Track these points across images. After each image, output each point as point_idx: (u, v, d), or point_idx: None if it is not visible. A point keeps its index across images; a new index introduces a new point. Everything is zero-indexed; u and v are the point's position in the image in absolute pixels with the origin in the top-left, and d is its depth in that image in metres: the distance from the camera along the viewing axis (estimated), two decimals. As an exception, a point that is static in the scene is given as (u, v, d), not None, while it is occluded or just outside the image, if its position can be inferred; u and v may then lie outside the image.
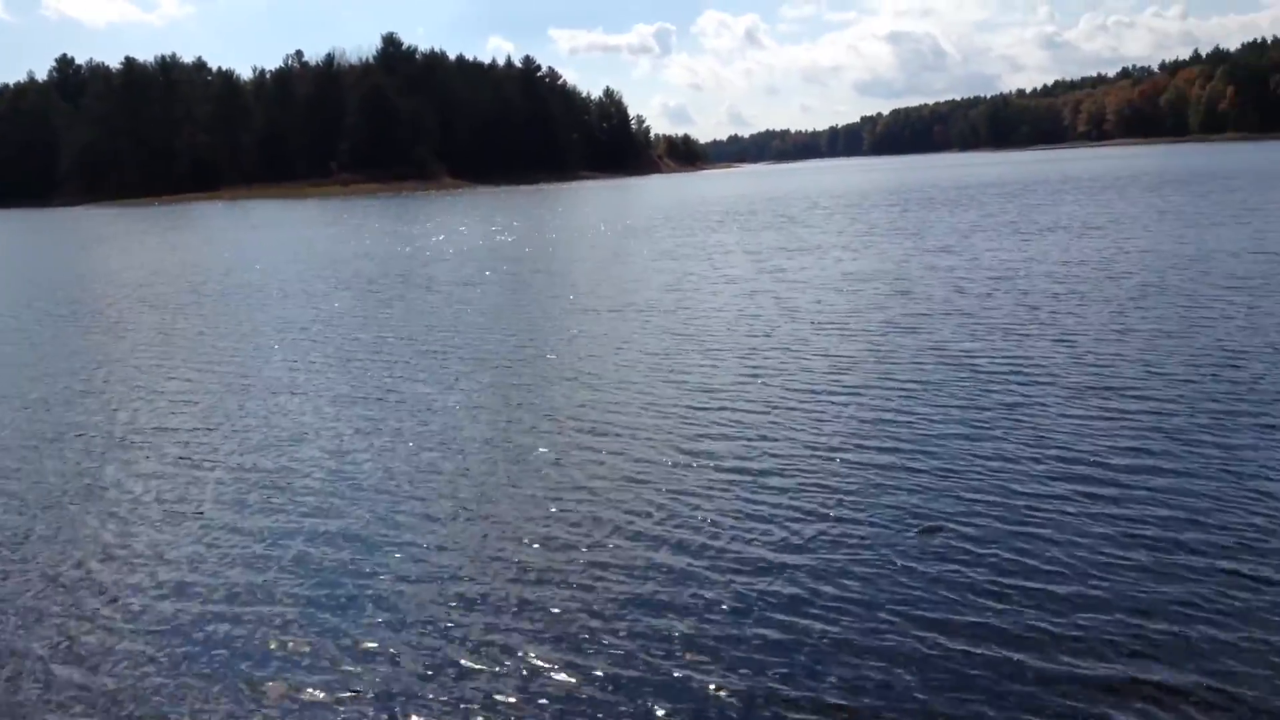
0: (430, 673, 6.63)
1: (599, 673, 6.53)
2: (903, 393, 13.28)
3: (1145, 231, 32.80)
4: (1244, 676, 6.02)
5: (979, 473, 9.88)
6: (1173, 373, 13.41)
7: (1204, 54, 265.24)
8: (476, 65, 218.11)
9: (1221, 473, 9.42)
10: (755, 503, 9.43)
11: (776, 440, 11.43)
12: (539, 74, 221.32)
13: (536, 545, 8.69)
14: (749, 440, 11.50)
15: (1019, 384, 13.34)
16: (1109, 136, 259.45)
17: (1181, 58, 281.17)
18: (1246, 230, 30.94)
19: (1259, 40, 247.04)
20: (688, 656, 6.66)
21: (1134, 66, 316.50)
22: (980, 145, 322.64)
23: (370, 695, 6.41)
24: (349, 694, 6.44)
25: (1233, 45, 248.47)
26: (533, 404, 13.89)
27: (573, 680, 6.46)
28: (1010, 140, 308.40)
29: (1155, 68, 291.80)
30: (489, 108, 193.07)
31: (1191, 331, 16.04)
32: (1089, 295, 20.30)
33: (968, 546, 8.11)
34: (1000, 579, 7.49)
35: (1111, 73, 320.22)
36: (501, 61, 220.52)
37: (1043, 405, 12.22)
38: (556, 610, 7.41)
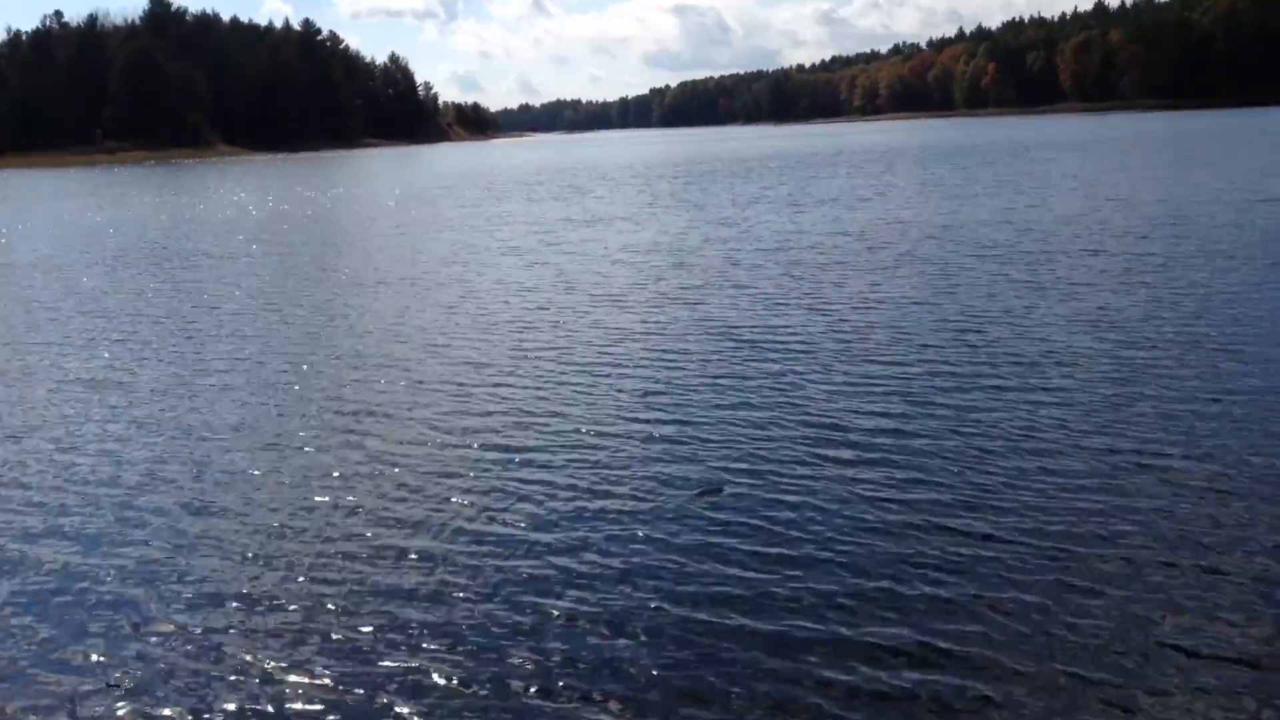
0: (153, 676, 6.21)
1: (332, 668, 6.27)
2: (671, 365, 13.45)
3: (908, 203, 34.51)
4: (955, 633, 6.35)
5: (738, 442, 10.09)
6: (918, 339, 14.11)
7: (968, 32, 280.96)
8: (252, 28, 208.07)
9: (952, 434, 9.94)
10: (518, 481, 9.32)
11: (545, 416, 11.34)
12: (319, 38, 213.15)
13: (276, 535, 8.30)
14: (517, 417, 11.37)
15: (779, 354, 13.73)
16: (882, 111, 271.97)
17: (948, 35, 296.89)
18: (998, 201, 33.00)
19: (1017, 19, 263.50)
20: (430, 645, 6.49)
21: (904, 43, 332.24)
22: (763, 118, 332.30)
23: (81, 699, 5.94)
24: (49, 701, 5.95)
25: (994, 24, 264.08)
26: (290, 385, 13.32)
27: (304, 679, 6.18)
28: (791, 114, 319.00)
29: (924, 45, 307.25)
30: (266, 72, 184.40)
31: (939, 299, 16.94)
32: (851, 265, 21.15)
33: (723, 516, 8.25)
34: (748, 545, 7.65)
35: (884, 49, 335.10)
36: (279, 24, 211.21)
37: (799, 373, 12.61)
38: (294, 606, 7.09)
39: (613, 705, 5.78)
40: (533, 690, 5.96)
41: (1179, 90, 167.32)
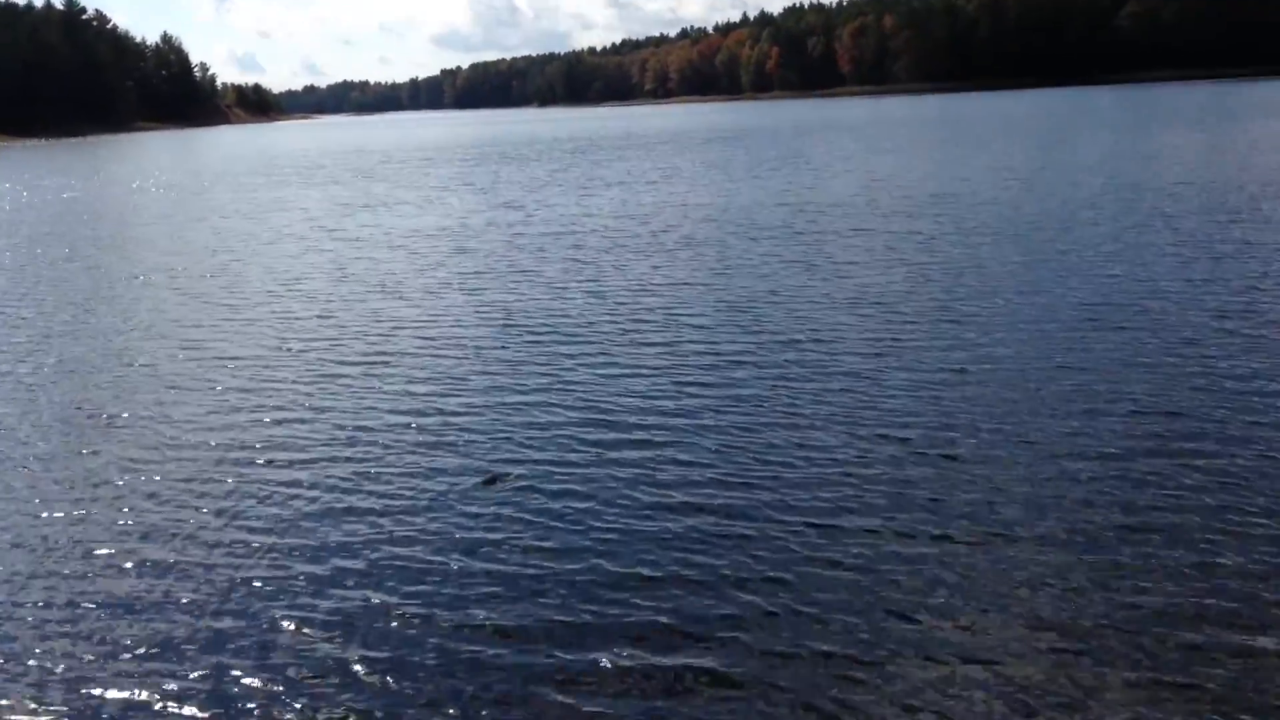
0: None
1: (51, 684, 5.74)
2: (445, 355, 13.13)
3: (692, 186, 35.04)
4: (705, 614, 6.39)
5: (508, 431, 9.91)
6: (691, 321, 14.28)
7: (751, 17, 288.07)
8: (9, 8, 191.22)
9: (715, 414, 10.06)
10: (266, 482, 8.86)
11: (307, 413, 10.84)
12: (84, 17, 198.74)
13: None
14: (275, 415, 10.82)
15: (556, 339, 13.61)
16: (673, 94, 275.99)
17: (733, 19, 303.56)
18: (776, 183, 33.93)
19: (797, 5, 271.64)
20: (150, 663, 6.03)
21: (692, 27, 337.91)
22: (557, 101, 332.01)
23: None
24: None
25: (776, 9, 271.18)
26: (28, 389, 12.27)
27: (31, 703, 5.63)
28: (585, 96, 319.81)
29: (710, 29, 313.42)
30: (26, 55, 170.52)
31: (713, 281, 17.21)
32: (632, 249, 21.25)
33: (491, 509, 8.06)
34: (516, 535, 7.49)
35: (673, 33, 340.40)
36: (39, 3, 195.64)
37: (575, 359, 12.52)
38: (12, 619, 6.47)
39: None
40: (254, 708, 5.61)
41: (949, 74, 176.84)
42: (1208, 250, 17.34)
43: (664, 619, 6.34)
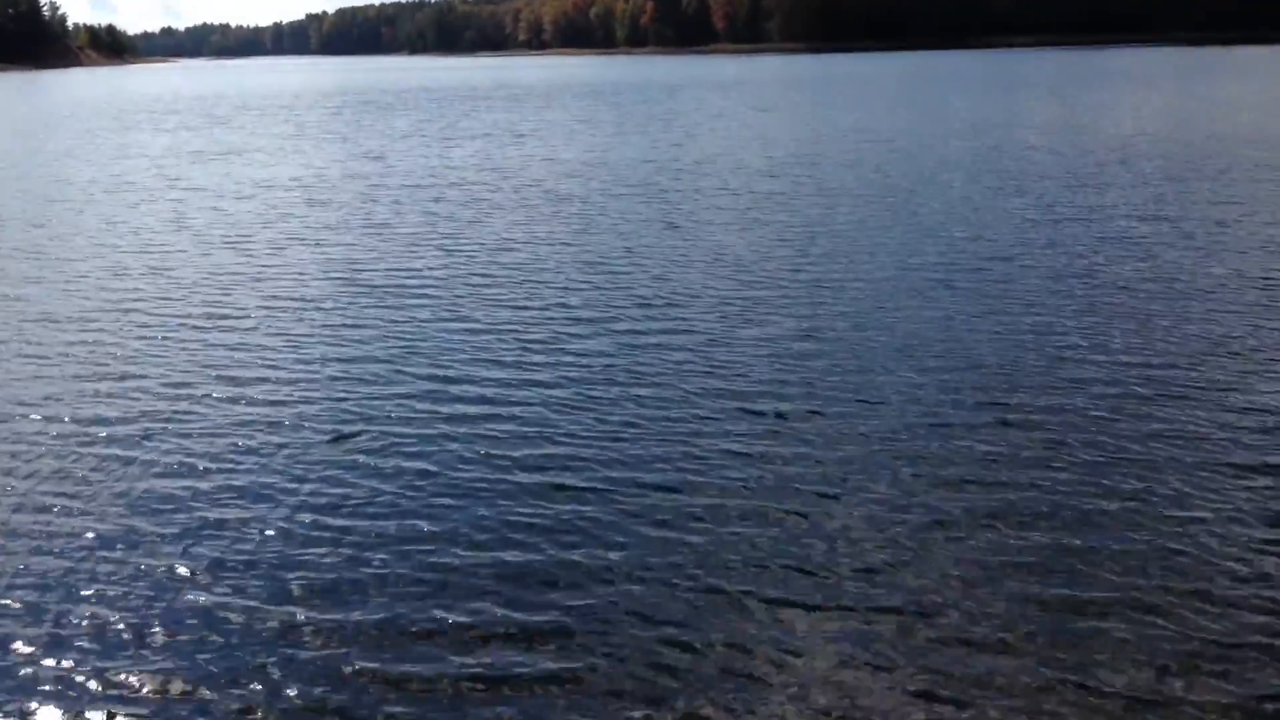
0: None
1: None
2: (287, 313, 12.58)
3: (559, 140, 34.52)
4: (547, 601, 6.21)
5: (349, 397, 9.51)
6: (547, 281, 13.98)
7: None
8: None
9: (567, 382, 9.85)
10: (86, 451, 8.30)
11: (130, 380, 10.20)
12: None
13: None
14: (94, 381, 10.16)
15: (406, 299, 13.17)
16: (547, 46, 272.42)
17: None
18: (644, 139, 33.69)
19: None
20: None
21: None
22: (428, 49, 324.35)
23: None
24: None
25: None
26: None
27: None
28: (457, 46, 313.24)
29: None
30: None
31: (573, 239, 16.93)
32: (493, 203, 20.78)
33: (346, 471, 7.70)
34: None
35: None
36: None
37: (424, 321, 12.12)
38: None
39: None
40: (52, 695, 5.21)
41: (822, 35, 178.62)
42: (1052, 214, 17.81)
43: (498, 583, 6.16)
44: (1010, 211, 18.24)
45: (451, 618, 5.87)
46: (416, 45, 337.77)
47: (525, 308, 12.53)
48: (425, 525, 6.96)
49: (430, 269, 14.83)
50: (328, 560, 6.53)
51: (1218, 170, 22.38)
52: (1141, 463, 7.71)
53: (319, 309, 12.72)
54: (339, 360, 10.59)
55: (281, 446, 8.34)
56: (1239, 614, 5.78)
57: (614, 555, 6.51)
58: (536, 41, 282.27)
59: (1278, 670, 5.31)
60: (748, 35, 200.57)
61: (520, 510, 7.14)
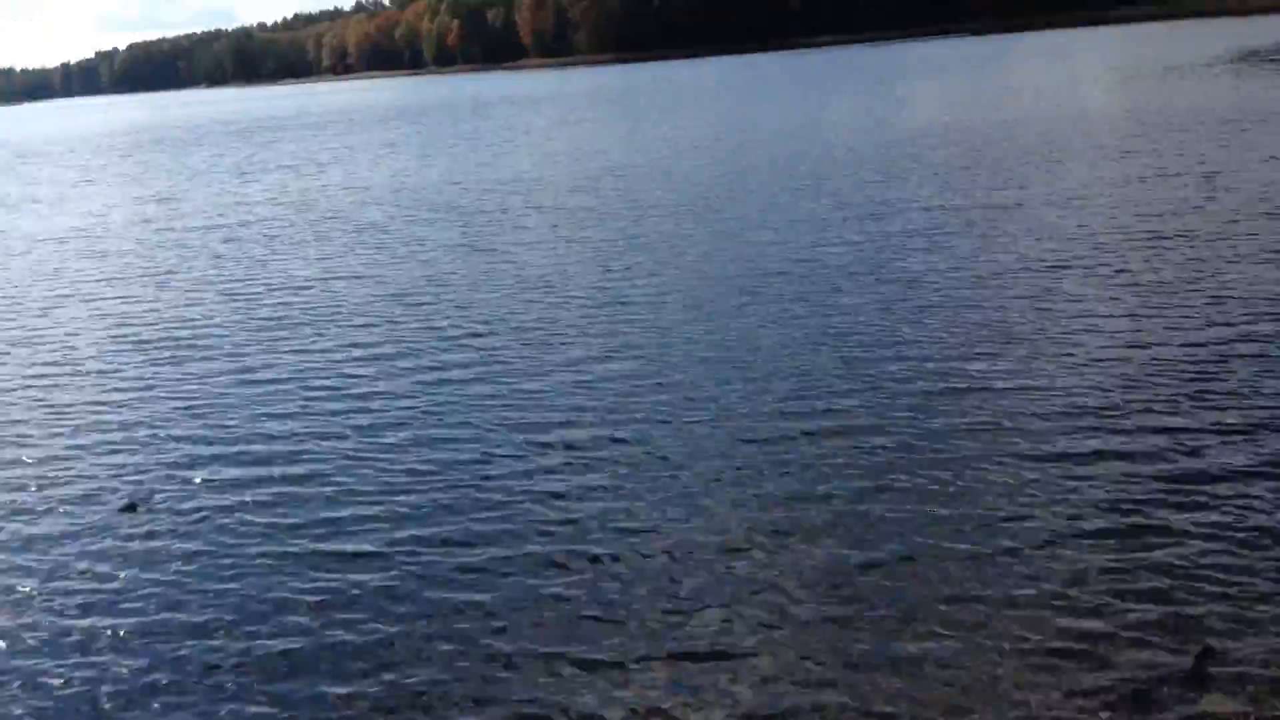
0: None
1: None
2: (58, 377, 11.69)
3: (362, 167, 33.53)
4: (336, 624, 5.71)
5: (139, 456, 8.74)
6: (341, 320, 13.33)
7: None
8: None
9: (359, 422, 9.31)
10: None
11: None
12: None
13: None
14: None
15: (191, 351, 12.35)
16: (354, 70, 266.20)
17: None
18: (450, 161, 33.00)
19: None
20: None
21: (369, 0, 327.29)
22: (228, 81, 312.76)
23: None
24: None
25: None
26: None
27: None
28: (258, 75, 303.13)
29: (388, 2, 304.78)
30: None
31: (371, 271, 16.27)
32: (286, 240, 19.85)
33: (138, 541, 6.97)
34: (157, 572, 6.47)
35: (348, 6, 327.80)
36: None
37: (206, 373, 11.35)
38: None
39: None
40: None
41: (628, 44, 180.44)
42: (848, 212, 18.08)
43: (297, 644, 5.78)
44: (810, 213, 18.41)
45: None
46: (215, 77, 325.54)
47: (311, 351, 11.88)
48: (185, 615, 6.34)
49: (210, 317, 13.97)
50: (116, 630, 5.86)
51: (995, 158, 23.18)
52: (945, 461, 7.69)
53: (87, 372, 11.78)
54: (104, 429, 9.76)
55: (66, 519, 7.55)
56: (1053, 615, 5.76)
57: (394, 629, 6.04)
58: (342, 66, 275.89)
59: (1091, 666, 5.28)
60: (556, 49, 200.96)
61: (295, 585, 6.59)
